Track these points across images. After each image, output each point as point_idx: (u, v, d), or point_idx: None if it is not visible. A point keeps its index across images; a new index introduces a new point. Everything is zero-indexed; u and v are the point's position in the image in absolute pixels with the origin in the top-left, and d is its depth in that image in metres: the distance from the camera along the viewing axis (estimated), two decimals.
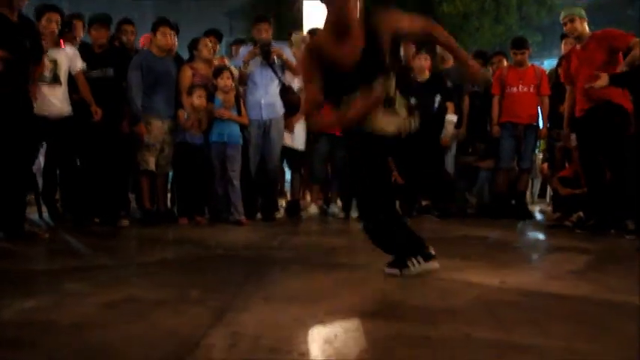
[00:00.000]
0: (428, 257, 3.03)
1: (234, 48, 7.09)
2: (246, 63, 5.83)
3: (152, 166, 5.60)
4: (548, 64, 9.81)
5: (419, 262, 3.01)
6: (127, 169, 5.70)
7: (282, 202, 7.02)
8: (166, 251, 4.40)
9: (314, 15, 9.42)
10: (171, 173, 5.97)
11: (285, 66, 5.86)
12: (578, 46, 5.34)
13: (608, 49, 5.09)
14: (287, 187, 7.43)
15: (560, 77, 5.96)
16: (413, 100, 6.43)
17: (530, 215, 6.70)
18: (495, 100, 6.58)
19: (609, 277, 3.33)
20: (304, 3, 9.81)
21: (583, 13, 5.37)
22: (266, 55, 5.72)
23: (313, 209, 6.41)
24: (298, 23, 9.31)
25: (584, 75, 5.19)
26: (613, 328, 2.28)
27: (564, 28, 5.50)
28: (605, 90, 4.87)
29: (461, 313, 2.44)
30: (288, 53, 5.92)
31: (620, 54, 5.10)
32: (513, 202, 6.70)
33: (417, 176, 6.65)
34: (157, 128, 5.61)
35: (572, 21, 5.33)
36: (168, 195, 6.08)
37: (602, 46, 5.11)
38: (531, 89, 6.48)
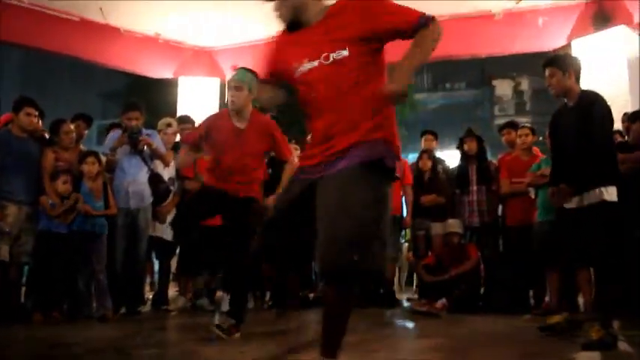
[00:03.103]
0: None
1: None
2: (113, 150, 5.67)
3: (5, 255, 5.19)
4: (412, 157, 10.46)
5: None
6: None
7: (150, 295, 6.71)
8: (17, 353, 4.00)
9: (189, 101, 9.41)
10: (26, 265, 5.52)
11: (153, 155, 5.73)
12: None
13: None
14: (155, 278, 7.14)
15: None
16: None
17: (397, 303, 6.88)
18: None
19: (473, 358, 3.51)
20: (179, 89, 9.78)
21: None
22: (134, 144, 5.58)
23: (181, 302, 6.18)
24: (173, 108, 9.27)
25: None
26: None
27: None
28: None
29: None
30: (158, 141, 5.81)
31: None
32: (381, 290, 6.85)
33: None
34: (13, 214, 5.25)
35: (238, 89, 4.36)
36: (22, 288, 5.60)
37: None
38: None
